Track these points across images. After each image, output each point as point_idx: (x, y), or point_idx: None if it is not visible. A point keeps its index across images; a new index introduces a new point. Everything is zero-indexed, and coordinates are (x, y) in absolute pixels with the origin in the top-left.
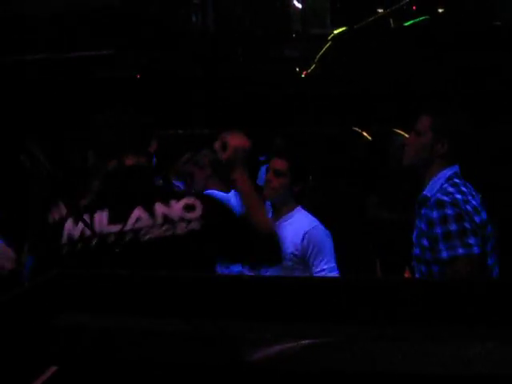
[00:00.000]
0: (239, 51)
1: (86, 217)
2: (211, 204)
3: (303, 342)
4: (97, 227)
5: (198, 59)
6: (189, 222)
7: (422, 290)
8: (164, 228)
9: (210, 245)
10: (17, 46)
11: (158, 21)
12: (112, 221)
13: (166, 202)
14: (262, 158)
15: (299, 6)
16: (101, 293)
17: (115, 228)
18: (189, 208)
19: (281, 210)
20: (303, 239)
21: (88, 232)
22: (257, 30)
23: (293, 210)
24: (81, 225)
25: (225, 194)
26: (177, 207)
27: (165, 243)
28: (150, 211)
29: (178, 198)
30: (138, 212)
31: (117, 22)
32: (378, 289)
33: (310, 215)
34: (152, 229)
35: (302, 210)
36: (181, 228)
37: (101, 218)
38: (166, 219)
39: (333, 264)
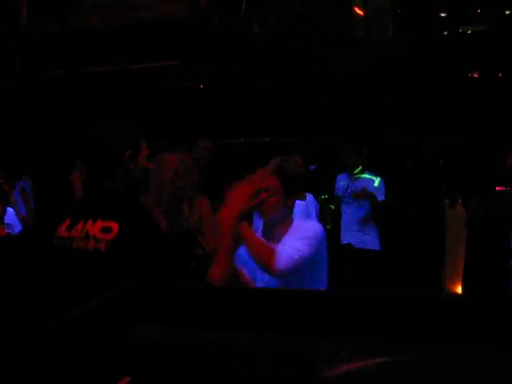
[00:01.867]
0: (301, 59)
1: (65, 221)
2: (128, 230)
3: (377, 359)
4: (61, 231)
5: (259, 68)
6: (98, 241)
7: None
8: (83, 242)
9: (112, 266)
10: (83, 59)
11: (221, 31)
12: (67, 229)
13: (94, 221)
14: (312, 168)
15: (361, 12)
16: (173, 305)
17: (65, 234)
18: (105, 230)
19: (279, 228)
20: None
21: (59, 233)
22: (319, 38)
23: (291, 224)
24: (61, 226)
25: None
26: (97, 226)
27: (81, 255)
28: (83, 226)
29: (104, 217)
30: (79, 225)
31: (180, 32)
32: (448, 306)
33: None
34: (78, 240)
35: (300, 220)
36: (90, 245)
37: (65, 224)
38: (87, 235)
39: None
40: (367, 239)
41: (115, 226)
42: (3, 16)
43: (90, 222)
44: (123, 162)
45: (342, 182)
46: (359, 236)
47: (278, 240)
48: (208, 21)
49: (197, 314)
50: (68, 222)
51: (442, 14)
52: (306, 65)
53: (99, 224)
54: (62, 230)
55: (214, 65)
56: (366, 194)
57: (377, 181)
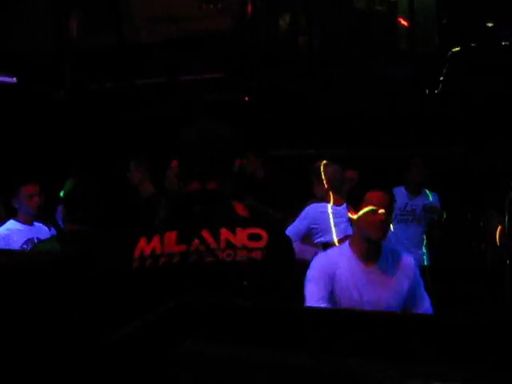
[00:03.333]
0: (345, 71)
1: (157, 236)
2: (277, 236)
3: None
4: (166, 246)
5: (304, 80)
6: (251, 250)
7: None
8: (226, 253)
9: (269, 275)
10: (131, 71)
11: (264, 44)
12: (179, 241)
13: (232, 229)
14: None
15: (405, 23)
16: (224, 322)
17: (181, 248)
18: (253, 237)
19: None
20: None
21: (158, 250)
22: (362, 50)
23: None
24: (152, 243)
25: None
26: (241, 235)
27: (225, 268)
28: (216, 235)
29: (245, 226)
30: (204, 235)
31: (227, 46)
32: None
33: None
34: (214, 252)
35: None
36: (241, 255)
37: (170, 238)
38: (229, 245)
39: None
40: (421, 256)
41: (263, 233)
42: (55, 29)
43: (224, 230)
44: (232, 167)
45: (398, 198)
46: (416, 254)
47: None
48: (254, 34)
49: (250, 332)
50: (175, 233)
51: (489, 24)
52: (351, 77)
53: (242, 231)
54: (172, 244)
55: (259, 77)
56: (434, 209)
57: (432, 197)
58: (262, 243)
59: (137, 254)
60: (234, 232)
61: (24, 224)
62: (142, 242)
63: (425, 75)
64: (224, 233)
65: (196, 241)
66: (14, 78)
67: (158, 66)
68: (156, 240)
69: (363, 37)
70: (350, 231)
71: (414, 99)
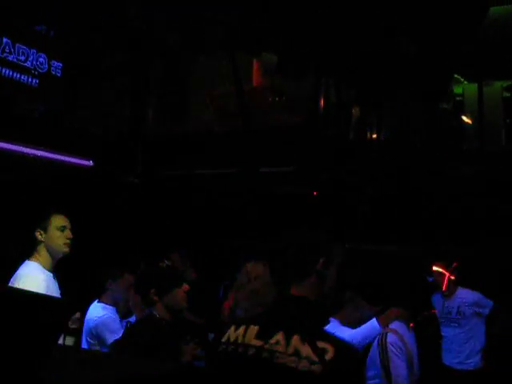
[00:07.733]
0: (412, 168)
1: (243, 327)
2: (343, 355)
3: None
4: (247, 338)
5: (374, 176)
6: (312, 362)
7: None
8: (291, 359)
9: None
10: (204, 162)
11: (336, 137)
12: (258, 336)
13: (303, 338)
14: (430, 279)
15: (469, 121)
16: None
17: (258, 343)
18: (319, 350)
19: None
20: None
21: (240, 339)
22: (430, 148)
23: None
24: (238, 331)
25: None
26: (309, 346)
27: (286, 372)
28: (288, 340)
29: (315, 338)
30: (279, 336)
31: (298, 139)
32: None
33: None
34: (283, 355)
35: None
36: (303, 365)
37: (252, 332)
38: (296, 352)
39: None
40: (471, 360)
41: (330, 349)
42: (130, 116)
43: (295, 337)
44: (316, 269)
45: (436, 301)
46: (461, 357)
47: None
48: (325, 128)
49: None
50: (257, 328)
51: None
52: (418, 173)
53: (312, 344)
54: (251, 337)
55: (328, 172)
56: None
57: (474, 295)
58: (324, 358)
59: (225, 338)
60: (303, 341)
61: (111, 306)
62: (232, 328)
63: (492, 173)
64: (295, 339)
65: (272, 340)
66: (91, 161)
67: (228, 158)
68: (242, 330)
69: (430, 134)
70: None
71: (481, 197)
